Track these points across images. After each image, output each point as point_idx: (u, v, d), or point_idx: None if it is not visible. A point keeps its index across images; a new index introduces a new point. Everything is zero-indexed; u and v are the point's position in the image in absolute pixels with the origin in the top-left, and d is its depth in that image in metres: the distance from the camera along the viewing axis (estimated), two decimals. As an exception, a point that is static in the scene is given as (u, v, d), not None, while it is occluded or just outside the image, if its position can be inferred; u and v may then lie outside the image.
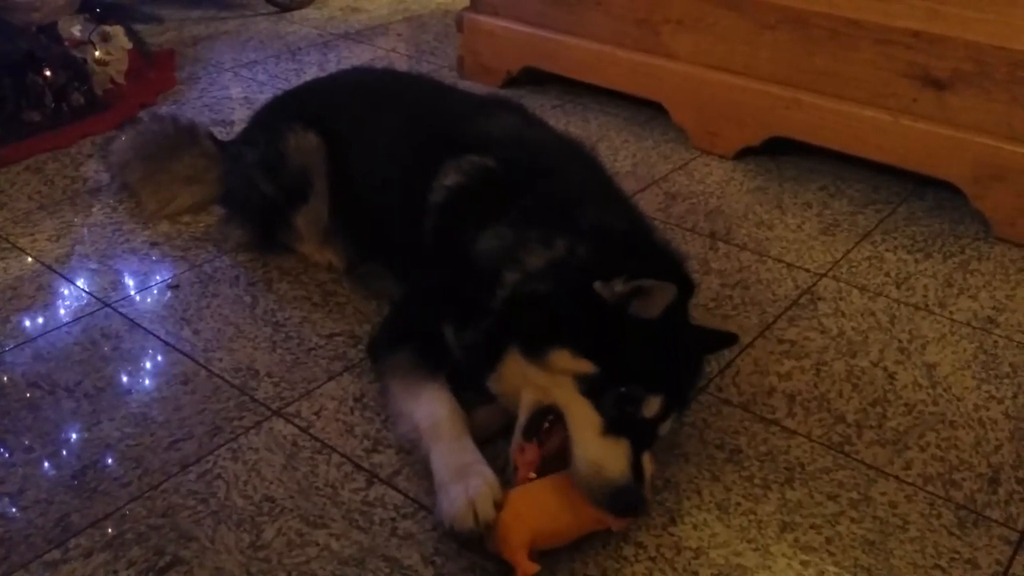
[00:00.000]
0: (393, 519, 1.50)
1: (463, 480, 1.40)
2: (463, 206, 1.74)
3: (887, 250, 2.30)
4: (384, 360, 1.73)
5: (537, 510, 1.38)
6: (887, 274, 2.20)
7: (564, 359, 1.42)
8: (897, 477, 1.60)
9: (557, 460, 1.43)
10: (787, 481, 1.58)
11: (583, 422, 1.40)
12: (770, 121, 2.64)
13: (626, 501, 1.37)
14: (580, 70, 3.02)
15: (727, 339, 1.64)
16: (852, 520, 1.51)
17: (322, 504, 1.52)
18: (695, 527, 1.49)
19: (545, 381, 1.44)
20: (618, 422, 1.39)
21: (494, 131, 1.88)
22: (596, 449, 1.38)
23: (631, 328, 1.41)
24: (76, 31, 3.14)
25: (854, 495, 1.56)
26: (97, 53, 3.07)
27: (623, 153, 2.78)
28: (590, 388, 1.39)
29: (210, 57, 3.54)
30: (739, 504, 1.54)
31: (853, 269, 2.21)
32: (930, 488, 1.58)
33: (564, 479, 1.41)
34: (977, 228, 2.39)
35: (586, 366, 1.40)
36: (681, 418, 1.57)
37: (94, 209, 2.42)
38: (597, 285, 1.41)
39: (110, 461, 1.60)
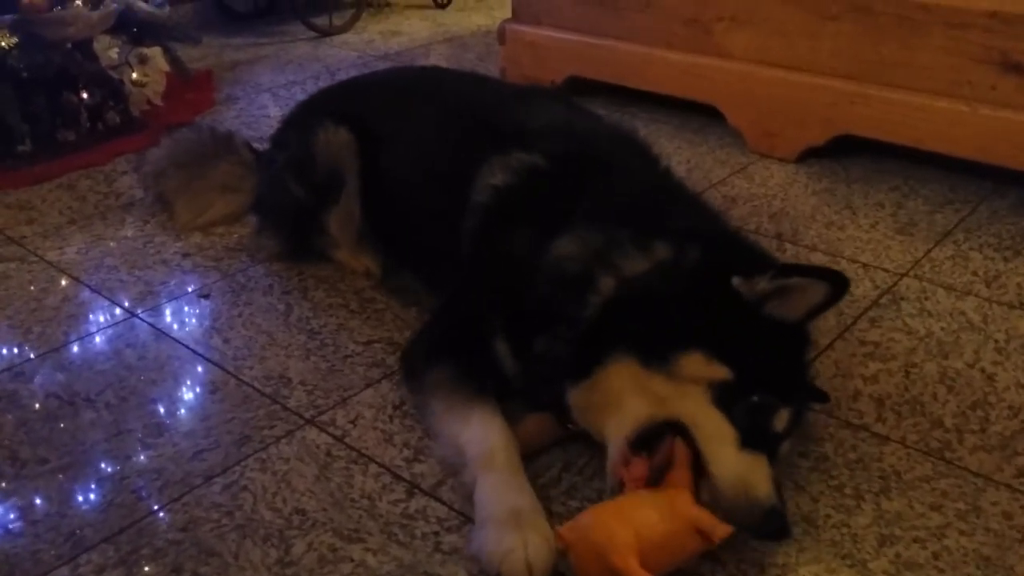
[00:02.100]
0: (436, 533, 1.34)
1: (519, 529, 1.24)
2: (515, 207, 1.58)
3: (971, 249, 2.10)
4: (423, 375, 1.56)
5: (641, 522, 1.17)
6: (974, 273, 2.00)
7: (696, 364, 1.24)
8: (1009, 486, 1.40)
9: (660, 476, 1.24)
10: (882, 491, 1.39)
11: (719, 436, 1.23)
12: (835, 118, 2.47)
13: (776, 524, 1.20)
14: (628, 76, 2.89)
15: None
16: (961, 533, 1.31)
17: (358, 517, 1.37)
18: (780, 541, 1.30)
19: (668, 391, 1.25)
20: (750, 436, 1.23)
21: (541, 123, 1.73)
22: (738, 465, 1.21)
23: (766, 331, 1.26)
24: (114, 53, 3.10)
25: (961, 505, 1.36)
26: (134, 75, 3.02)
27: (676, 159, 2.62)
28: (722, 397, 1.23)
29: (249, 79, 3.49)
30: (829, 516, 1.35)
31: (936, 268, 2.02)
32: (1050, 498, 1.37)
33: (667, 495, 1.21)
34: (1070, 224, 2.19)
35: (721, 372, 1.23)
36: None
37: (126, 223, 2.33)
38: (736, 282, 1.26)
39: (129, 473, 1.47)
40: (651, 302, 1.31)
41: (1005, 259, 2.05)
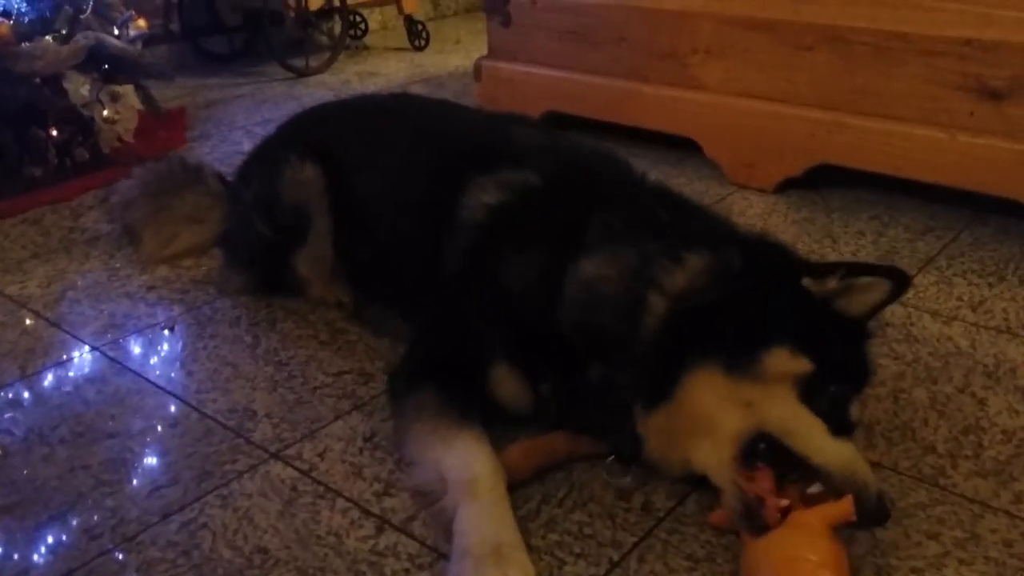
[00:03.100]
0: (407, 571, 1.26)
1: (498, 566, 1.17)
2: (515, 227, 1.50)
3: (955, 275, 2.07)
4: (405, 396, 1.49)
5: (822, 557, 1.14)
6: (959, 298, 1.96)
7: (783, 359, 1.22)
8: (1008, 512, 1.34)
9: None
10: (876, 519, 1.33)
11: (812, 429, 1.22)
12: (812, 148, 2.45)
13: (884, 508, 1.21)
14: (604, 110, 2.88)
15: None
16: (961, 562, 1.25)
17: (323, 555, 1.28)
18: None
19: (756, 394, 1.22)
20: (833, 425, 1.23)
21: (523, 143, 1.68)
22: (841, 453, 1.21)
23: (835, 325, 1.28)
24: (85, 90, 3.05)
25: (959, 533, 1.30)
26: (105, 112, 2.97)
27: (654, 191, 2.59)
28: (806, 392, 1.22)
29: (223, 117, 3.45)
30: (821, 546, 1.28)
31: (920, 295, 1.98)
32: (1050, 524, 1.32)
33: (801, 525, 1.17)
34: (1052, 251, 2.17)
35: (805, 364, 1.22)
36: None
37: (91, 257, 2.26)
38: (807, 282, 1.27)
39: (81, 511, 1.38)
40: (721, 308, 1.27)
41: (989, 285, 2.02)
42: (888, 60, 2.28)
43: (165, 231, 2.18)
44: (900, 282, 1.28)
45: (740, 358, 1.22)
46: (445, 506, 1.29)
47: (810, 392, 1.22)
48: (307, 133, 2.03)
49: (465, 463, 1.32)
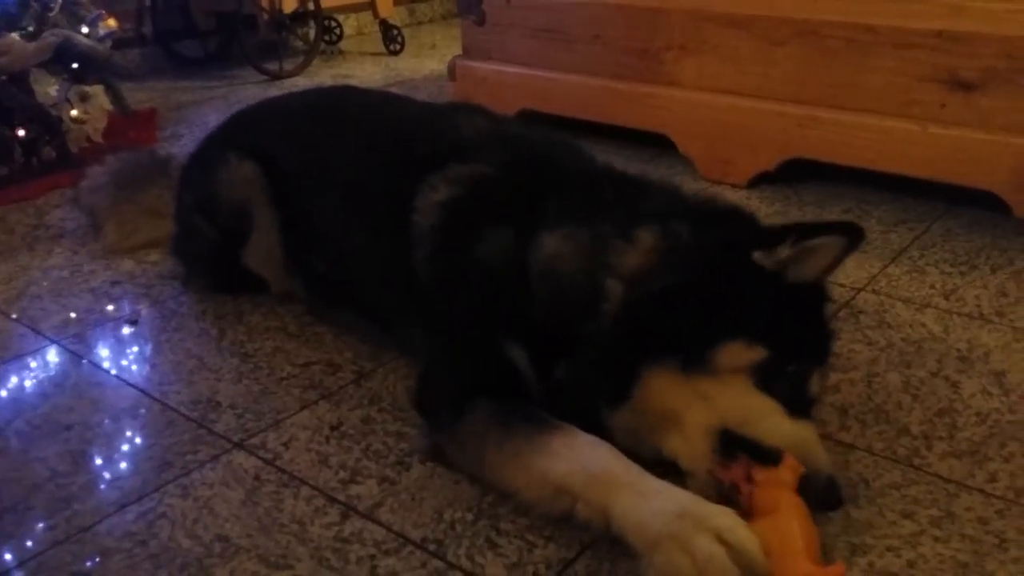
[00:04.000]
0: (372, 556, 1.22)
1: (700, 526, 1.07)
2: (471, 219, 1.46)
3: (928, 264, 2.07)
4: (457, 428, 1.33)
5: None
6: (932, 287, 1.96)
7: (736, 352, 1.20)
8: (982, 491, 1.32)
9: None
10: (850, 499, 1.30)
11: (768, 416, 1.20)
12: (785, 143, 2.45)
13: (836, 493, 1.20)
14: (579, 107, 2.86)
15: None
16: (936, 539, 1.23)
17: (286, 542, 1.25)
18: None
19: (713, 388, 1.20)
20: (792, 406, 1.21)
21: (471, 133, 1.63)
22: (794, 436, 1.19)
23: (789, 296, 1.24)
24: (53, 90, 3.00)
25: (934, 512, 1.28)
26: (74, 112, 2.94)
27: (629, 187, 2.58)
28: (764, 375, 1.20)
29: (195, 118, 3.41)
30: (795, 527, 1.26)
31: (893, 283, 1.98)
32: (1025, 502, 1.30)
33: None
34: (1024, 241, 2.17)
35: (760, 352, 1.20)
36: None
37: (54, 253, 2.21)
38: (758, 256, 1.22)
39: (34, 503, 1.33)
40: (670, 297, 1.23)
41: (962, 273, 2.02)
42: (860, 53, 2.29)
43: (127, 224, 2.15)
44: (854, 236, 1.24)
45: (694, 356, 1.20)
46: (587, 515, 1.17)
47: (768, 376, 1.20)
48: (245, 132, 1.97)
49: (582, 460, 1.19)
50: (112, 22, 2.99)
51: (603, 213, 1.35)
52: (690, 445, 1.21)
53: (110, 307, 1.94)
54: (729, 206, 1.41)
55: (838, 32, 2.31)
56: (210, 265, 1.96)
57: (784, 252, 1.21)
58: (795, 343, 1.23)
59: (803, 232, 1.22)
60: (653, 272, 1.25)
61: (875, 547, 1.21)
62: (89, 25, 2.90)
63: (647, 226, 1.29)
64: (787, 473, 1.15)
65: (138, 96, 3.60)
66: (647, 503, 1.12)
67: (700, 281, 1.23)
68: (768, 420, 1.20)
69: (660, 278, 1.25)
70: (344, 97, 2.02)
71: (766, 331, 1.21)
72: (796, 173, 2.52)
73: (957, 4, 2.12)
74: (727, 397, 1.20)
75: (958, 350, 1.70)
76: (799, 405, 1.22)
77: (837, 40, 2.32)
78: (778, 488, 1.14)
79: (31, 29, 2.69)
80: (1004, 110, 2.12)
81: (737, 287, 1.23)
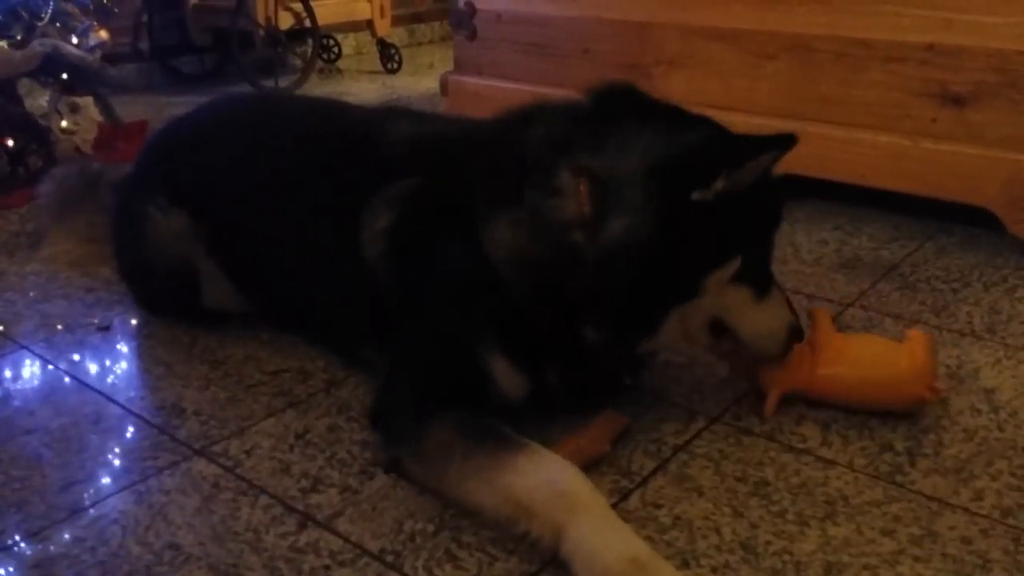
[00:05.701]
0: (327, 567, 1.17)
1: None
2: (419, 243, 1.43)
3: (919, 281, 2.02)
4: (420, 439, 1.30)
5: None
6: (922, 303, 1.91)
7: (719, 276, 1.33)
8: (967, 509, 1.27)
9: None
10: (828, 516, 1.25)
11: (739, 305, 1.38)
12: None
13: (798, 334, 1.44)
14: (570, 123, 2.83)
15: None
16: (916, 559, 1.17)
17: (239, 551, 1.20)
18: (714, 570, 1.16)
19: (707, 301, 1.35)
20: (758, 283, 1.39)
21: (396, 141, 1.56)
22: (761, 315, 1.41)
23: (736, 204, 1.27)
24: (43, 101, 3.00)
25: (915, 530, 1.23)
26: (64, 123, 2.93)
27: (618, 202, 2.55)
28: (738, 272, 1.34)
29: (186, 132, 3.39)
30: (769, 543, 1.20)
31: (883, 299, 1.93)
32: (1011, 521, 1.24)
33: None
34: (1019, 258, 2.12)
35: (734, 264, 1.33)
36: None
37: (32, 259, 2.18)
38: (697, 196, 1.25)
39: (-17, 507, 1.29)
40: (638, 251, 1.26)
41: (954, 290, 1.97)
42: (850, 67, 2.26)
43: (60, 247, 2.10)
44: (787, 144, 1.28)
45: (689, 293, 1.33)
46: (539, 532, 1.14)
47: (741, 272, 1.35)
48: (164, 171, 1.82)
49: (547, 479, 1.17)
50: (103, 33, 2.99)
51: (523, 178, 1.32)
52: (692, 338, 1.41)
53: (83, 313, 1.90)
54: (646, 101, 1.44)
55: (828, 46, 2.29)
56: (170, 305, 1.86)
57: (719, 185, 1.24)
58: (755, 238, 1.38)
59: (735, 160, 1.24)
60: (597, 210, 1.27)
61: (852, 565, 1.16)
62: (79, 36, 2.89)
63: (559, 172, 1.29)
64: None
65: (132, 109, 3.59)
66: (604, 537, 1.11)
67: (662, 229, 1.25)
68: (735, 311, 1.39)
69: (607, 216, 1.26)
70: (269, 109, 1.93)
71: (732, 246, 1.32)
72: (787, 189, 2.48)
73: (947, 17, 2.10)
74: (716, 300, 1.36)
75: (947, 366, 1.65)
76: (765, 277, 1.41)
77: (827, 54, 2.29)
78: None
79: (19, 38, 2.69)
80: (996, 124, 2.09)
81: (688, 224, 1.27)
